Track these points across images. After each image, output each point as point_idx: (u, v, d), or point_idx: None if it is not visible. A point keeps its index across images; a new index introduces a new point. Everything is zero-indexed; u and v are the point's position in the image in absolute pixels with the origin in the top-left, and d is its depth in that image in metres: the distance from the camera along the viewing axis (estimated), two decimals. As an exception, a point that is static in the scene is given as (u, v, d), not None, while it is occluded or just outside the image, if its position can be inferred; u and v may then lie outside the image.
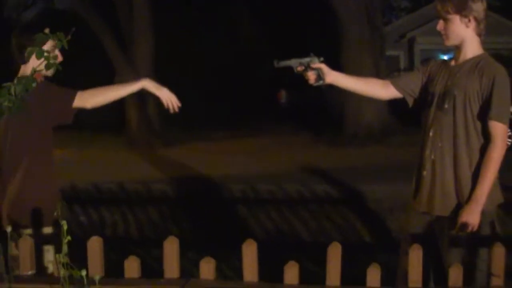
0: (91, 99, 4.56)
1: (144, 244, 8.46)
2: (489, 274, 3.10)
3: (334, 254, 3.07)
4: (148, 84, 4.59)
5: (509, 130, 15.36)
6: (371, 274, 2.99)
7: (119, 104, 20.16)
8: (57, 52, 4.41)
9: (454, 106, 4.18)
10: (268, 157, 16.24)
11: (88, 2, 19.96)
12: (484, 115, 4.11)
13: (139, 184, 11.93)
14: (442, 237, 4.23)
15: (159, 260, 3.36)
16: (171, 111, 4.58)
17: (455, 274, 2.97)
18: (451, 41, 4.33)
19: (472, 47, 4.28)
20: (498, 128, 4.09)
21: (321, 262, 6.25)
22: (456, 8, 4.22)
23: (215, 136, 20.91)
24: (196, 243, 8.02)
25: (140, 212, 10.19)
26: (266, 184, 11.50)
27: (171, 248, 3.22)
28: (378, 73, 19.09)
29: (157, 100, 4.59)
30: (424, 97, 4.43)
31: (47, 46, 4.31)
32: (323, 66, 4.40)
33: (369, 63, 19.05)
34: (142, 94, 18.54)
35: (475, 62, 4.22)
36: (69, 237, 2.86)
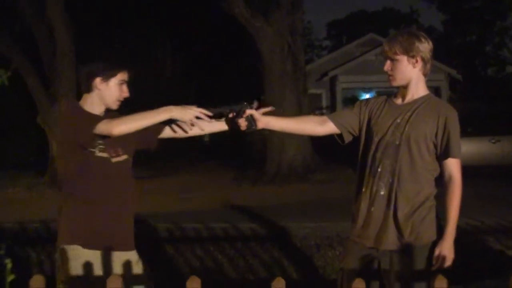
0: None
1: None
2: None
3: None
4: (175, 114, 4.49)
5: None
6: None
7: (41, 144, 19.95)
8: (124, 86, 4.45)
9: (408, 142, 4.23)
10: (192, 196, 16.19)
11: (11, 40, 19.75)
12: (441, 153, 4.22)
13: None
14: (387, 272, 4.26)
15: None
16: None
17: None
18: (398, 82, 4.36)
19: (420, 87, 4.35)
20: (456, 164, 4.21)
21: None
22: (404, 49, 4.27)
23: (136, 175, 20.69)
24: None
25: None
26: (191, 222, 11.47)
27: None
28: (300, 111, 19.25)
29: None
30: (368, 135, 4.46)
31: (117, 79, 4.42)
32: (254, 113, 4.40)
33: (292, 100, 19.10)
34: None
35: (425, 101, 4.31)
36: (12, 276, 2.84)
